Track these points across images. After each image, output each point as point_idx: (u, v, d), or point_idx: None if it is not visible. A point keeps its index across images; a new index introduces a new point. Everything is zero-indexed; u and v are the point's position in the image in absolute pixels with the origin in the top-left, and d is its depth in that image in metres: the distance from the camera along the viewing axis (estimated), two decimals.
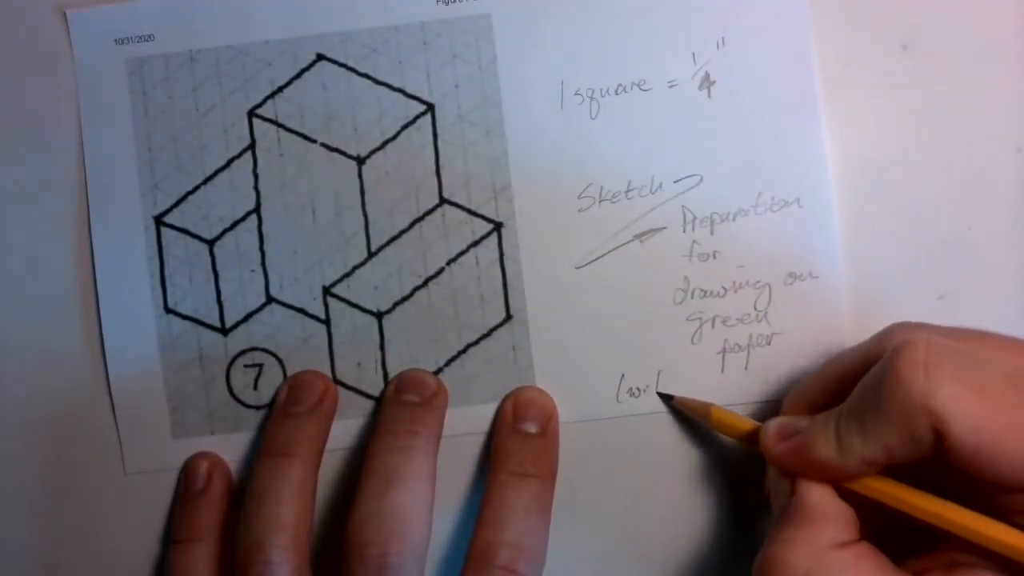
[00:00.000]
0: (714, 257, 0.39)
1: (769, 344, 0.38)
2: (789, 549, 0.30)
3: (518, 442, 0.38)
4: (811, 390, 0.34)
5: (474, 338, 0.39)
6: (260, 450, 0.37)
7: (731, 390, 0.39)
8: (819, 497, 0.31)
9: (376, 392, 0.39)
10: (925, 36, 0.39)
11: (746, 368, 0.38)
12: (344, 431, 0.39)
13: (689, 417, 0.38)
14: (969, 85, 0.39)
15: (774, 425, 0.33)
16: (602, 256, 0.39)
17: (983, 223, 0.38)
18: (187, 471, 0.39)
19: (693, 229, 0.38)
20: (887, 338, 0.32)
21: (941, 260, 0.38)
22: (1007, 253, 0.39)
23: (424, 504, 0.35)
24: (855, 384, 0.31)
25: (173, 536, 0.38)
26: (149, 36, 0.39)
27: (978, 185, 0.39)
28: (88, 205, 0.39)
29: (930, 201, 0.38)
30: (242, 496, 0.37)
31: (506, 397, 0.39)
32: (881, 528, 0.32)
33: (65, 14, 0.39)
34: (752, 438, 0.34)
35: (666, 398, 0.38)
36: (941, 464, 0.29)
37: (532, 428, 0.38)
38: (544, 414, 0.38)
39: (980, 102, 0.39)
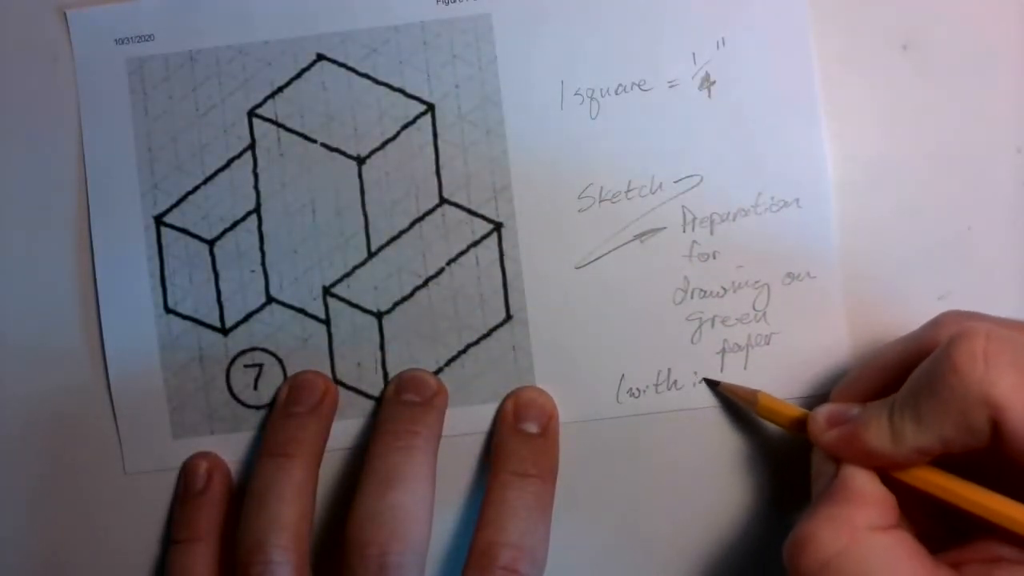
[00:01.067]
0: (714, 257, 0.39)
1: (768, 344, 0.39)
2: (825, 526, 0.30)
3: (519, 442, 0.38)
4: (861, 380, 0.34)
5: (474, 338, 0.39)
6: (261, 450, 0.37)
7: None
8: (862, 480, 0.31)
9: (376, 392, 0.39)
10: (925, 36, 0.39)
11: (745, 368, 0.39)
12: (344, 431, 0.39)
13: (689, 418, 0.38)
14: (969, 85, 0.39)
15: (824, 412, 0.33)
16: (602, 256, 0.39)
17: (983, 223, 0.38)
18: (186, 471, 0.39)
19: (693, 229, 0.39)
20: (939, 327, 0.32)
21: (941, 260, 0.38)
22: (1007, 253, 0.38)
23: (424, 504, 0.35)
24: (906, 374, 0.31)
25: (173, 536, 0.38)
26: (149, 36, 0.39)
27: (978, 185, 0.38)
28: (88, 205, 0.39)
29: (930, 201, 0.38)
30: (242, 496, 0.37)
31: (506, 397, 0.39)
32: (918, 518, 0.32)
33: (65, 14, 0.39)
34: (799, 425, 0.34)
35: (712, 384, 0.39)
36: (994, 456, 0.29)
37: (533, 428, 0.38)
38: (544, 414, 0.38)
39: (980, 102, 0.39)
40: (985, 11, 0.39)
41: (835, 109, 0.39)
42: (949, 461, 0.31)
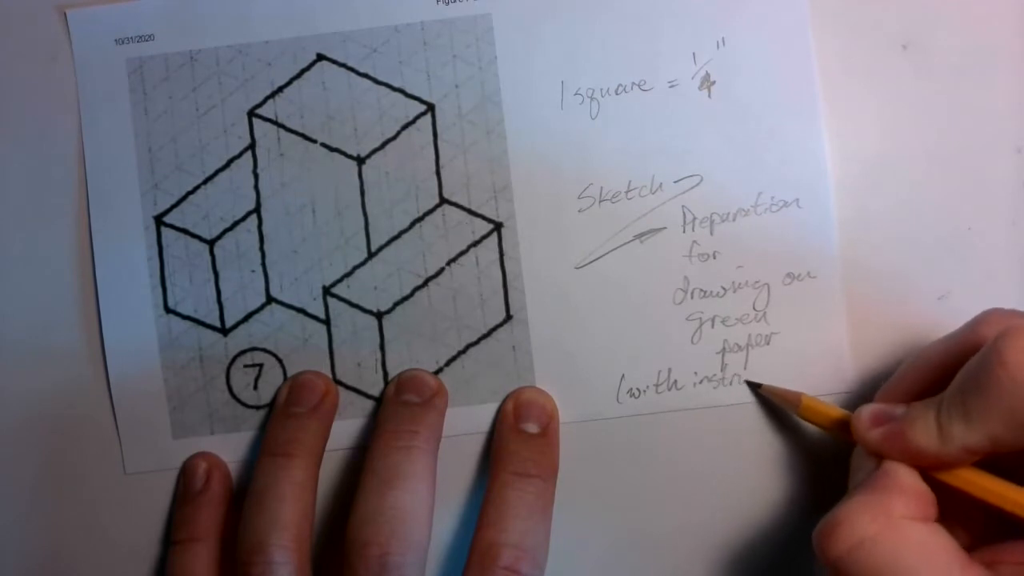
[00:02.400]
0: (714, 257, 0.39)
1: (768, 344, 0.39)
2: (861, 510, 0.30)
3: (519, 442, 0.38)
4: (904, 381, 0.34)
5: (474, 338, 0.39)
6: (261, 450, 0.37)
7: (731, 391, 0.38)
8: (904, 473, 0.31)
9: (376, 392, 0.39)
10: (925, 36, 0.39)
11: (745, 368, 0.39)
12: (344, 431, 0.39)
13: (689, 418, 0.39)
14: (969, 85, 0.39)
15: (868, 411, 0.33)
16: (602, 256, 0.39)
17: (983, 223, 0.38)
18: (186, 471, 0.39)
19: (693, 229, 0.39)
20: (982, 325, 0.32)
21: (941, 260, 0.38)
22: (1007, 253, 0.38)
23: (425, 504, 0.35)
24: (950, 374, 0.31)
25: (173, 536, 0.38)
26: (149, 36, 0.39)
27: (978, 185, 0.38)
28: (88, 205, 0.39)
29: (930, 201, 0.38)
30: (242, 496, 0.37)
31: (507, 397, 0.39)
32: (955, 520, 0.32)
33: (65, 14, 0.39)
34: (841, 426, 0.34)
35: (754, 386, 0.39)
36: None
37: (533, 428, 0.38)
38: (545, 414, 0.38)
39: (980, 102, 0.39)
40: (985, 11, 0.39)
41: (835, 109, 0.39)
42: (990, 463, 0.30)
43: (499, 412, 0.39)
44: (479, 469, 0.39)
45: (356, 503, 0.35)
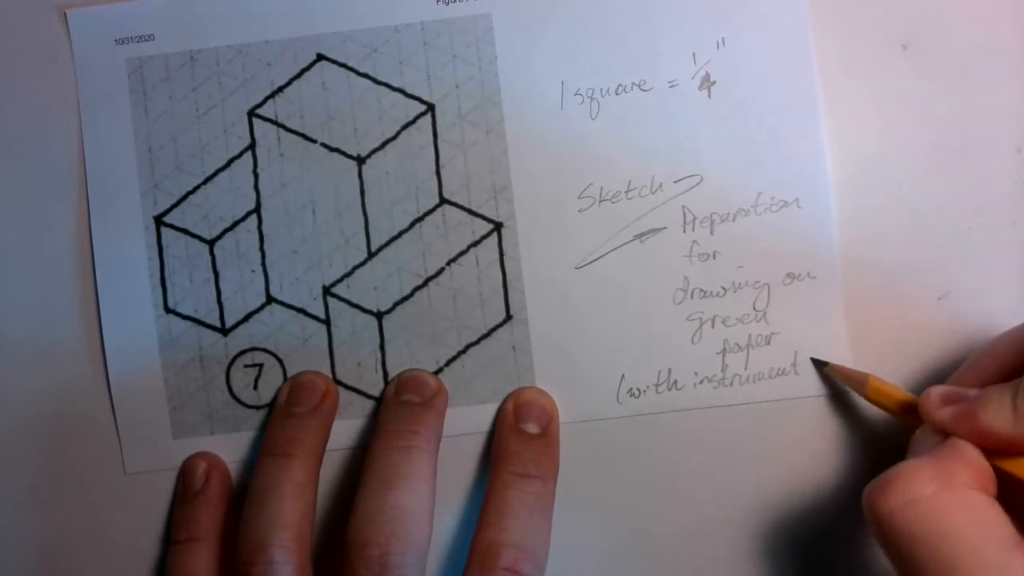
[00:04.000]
0: (714, 257, 0.39)
1: (768, 344, 0.39)
2: (921, 469, 0.29)
3: (520, 443, 0.38)
4: (978, 367, 0.34)
5: (474, 338, 0.39)
6: (262, 450, 0.37)
7: (731, 391, 0.39)
8: (970, 448, 0.30)
9: (376, 392, 0.39)
10: (925, 36, 0.39)
11: (746, 368, 0.38)
12: (344, 431, 0.39)
13: (690, 418, 0.39)
14: (969, 85, 0.39)
15: (938, 390, 0.33)
16: (602, 256, 0.39)
17: (983, 223, 0.38)
18: (185, 471, 0.39)
19: (693, 229, 0.39)
20: None
21: (941, 260, 0.38)
22: (1007, 253, 0.38)
23: (425, 504, 0.35)
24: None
25: (173, 536, 0.38)
26: (149, 36, 0.39)
27: (978, 185, 0.38)
28: (88, 205, 0.39)
29: (930, 201, 0.38)
30: (242, 496, 0.37)
31: (507, 397, 0.39)
32: (1009, 511, 0.31)
33: (65, 13, 0.39)
34: (908, 409, 0.34)
35: (819, 364, 0.39)
36: None
37: (533, 428, 0.38)
38: (545, 414, 0.38)
39: (980, 102, 0.39)
40: (985, 11, 0.39)
41: (835, 109, 0.39)
42: None
43: (499, 412, 0.39)
44: (479, 469, 0.40)
45: (356, 503, 0.35)
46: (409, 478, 0.36)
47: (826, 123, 0.39)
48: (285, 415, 0.38)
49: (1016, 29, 0.39)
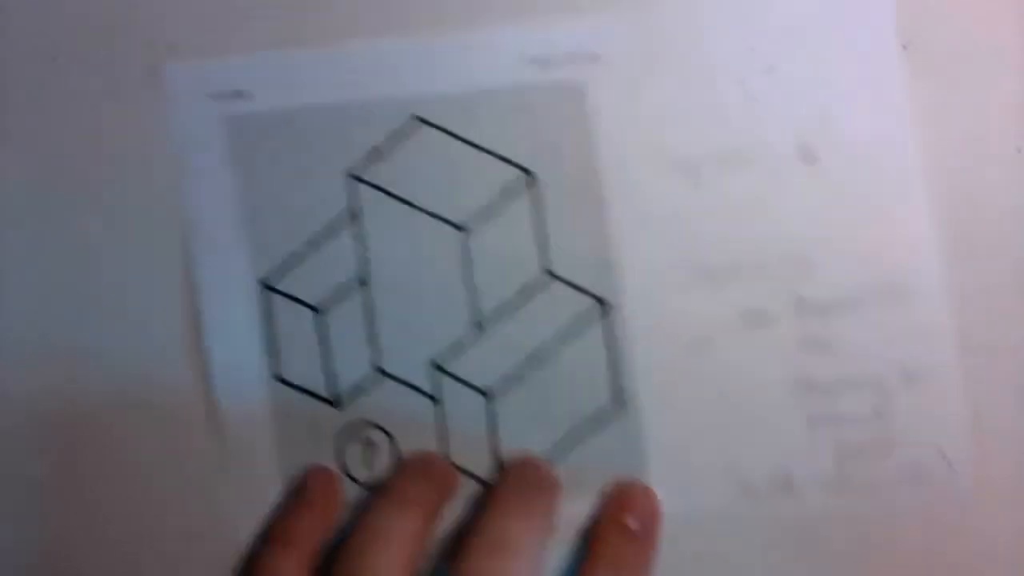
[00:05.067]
0: (826, 348, 0.37)
1: (887, 446, 0.37)
2: None
3: (618, 537, 0.36)
4: None
5: (582, 422, 0.38)
6: (380, 491, 0.37)
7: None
8: None
9: (483, 472, 0.38)
10: (925, 36, 0.37)
11: (866, 471, 0.37)
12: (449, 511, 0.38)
13: (802, 522, 0.37)
14: (969, 85, 0.37)
15: None
16: (712, 340, 0.37)
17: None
18: (302, 480, 0.38)
19: (803, 317, 0.37)
20: None
21: None
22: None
23: None
24: None
25: (270, 535, 0.38)
26: (247, 93, 0.37)
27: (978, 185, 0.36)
28: (193, 269, 0.37)
29: (930, 200, 0.37)
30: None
31: (609, 487, 0.37)
32: None
33: (161, 68, 0.38)
34: None
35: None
36: None
37: (634, 524, 0.36)
38: (647, 512, 0.37)
39: (980, 102, 0.37)
40: (985, 11, 0.37)
41: None
42: None
43: (601, 502, 0.37)
44: (575, 560, 0.38)
45: (460, 564, 0.34)
46: (521, 548, 0.35)
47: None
48: (411, 472, 0.37)
49: (1016, 29, 0.37)
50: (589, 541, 0.37)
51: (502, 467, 0.38)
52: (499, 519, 0.36)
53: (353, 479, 0.39)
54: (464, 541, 0.35)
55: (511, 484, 0.37)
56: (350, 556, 0.35)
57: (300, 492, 0.39)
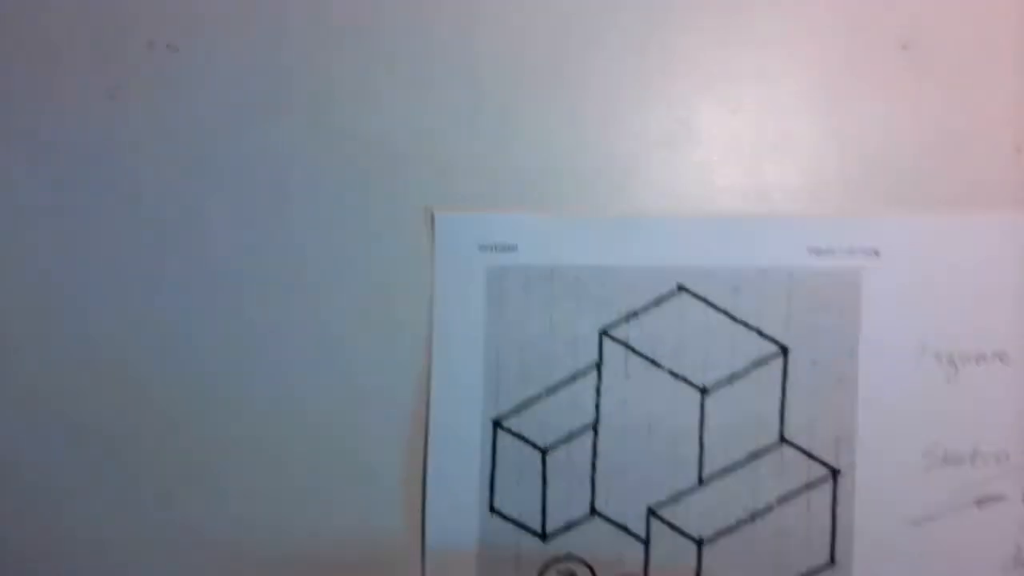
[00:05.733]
0: None
1: None
2: None
3: None
4: None
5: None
6: None
7: None
8: None
9: None
10: (925, 36, 0.38)
11: None
12: None
13: None
14: (969, 85, 0.39)
15: None
16: (939, 517, 0.38)
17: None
18: None
19: None
20: None
21: None
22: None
23: None
24: None
25: None
26: (513, 247, 0.38)
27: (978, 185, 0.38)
28: (429, 400, 0.39)
29: (929, 200, 0.39)
30: None
31: None
32: None
33: (433, 215, 0.38)
34: None
35: None
36: None
37: None
38: None
39: (980, 102, 0.38)
40: (985, 11, 0.38)
41: (835, 109, 0.39)
42: None
43: None
44: None
45: None
46: None
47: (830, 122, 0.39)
48: None
49: (1016, 29, 0.38)
50: None
51: None
52: None
53: None
54: None
55: None
56: None
57: None
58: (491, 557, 0.40)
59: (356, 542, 0.40)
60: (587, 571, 0.40)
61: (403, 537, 0.40)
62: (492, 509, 0.40)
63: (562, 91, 0.38)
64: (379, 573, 0.40)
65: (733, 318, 0.38)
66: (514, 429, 0.39)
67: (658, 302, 0.39)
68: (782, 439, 0.39)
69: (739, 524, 0.39)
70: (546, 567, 0.40)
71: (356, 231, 0.39)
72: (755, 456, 0.39)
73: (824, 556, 0.39)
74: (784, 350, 0.38)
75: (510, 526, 0.40)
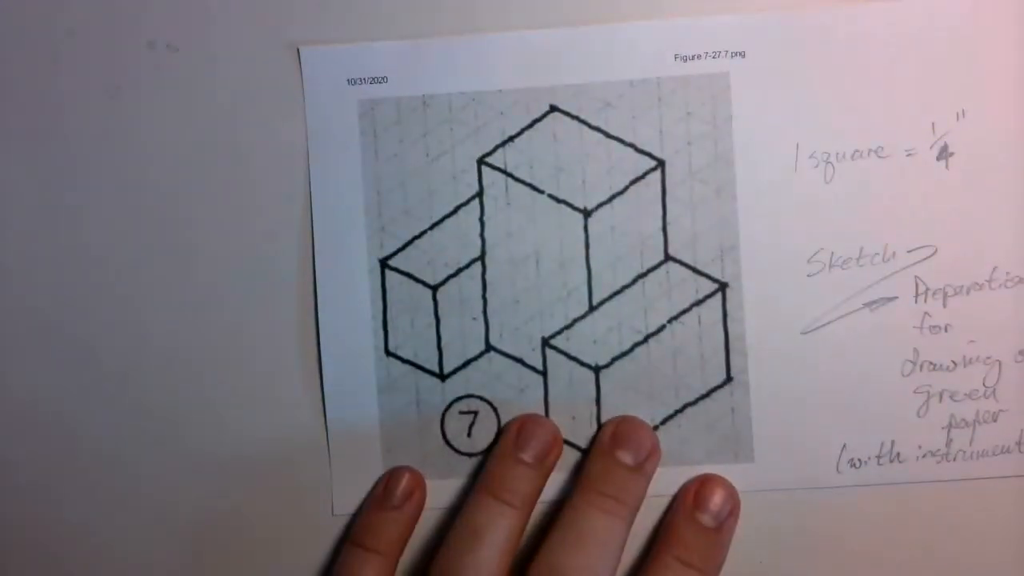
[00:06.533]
0: (945, 330, 0.39)
1: (995, 421, 0.39)
2: None
3: (691, 531, 0.38)
4: None
5: (692, 398, 0.39)
6: (481, 486, 0.38)
7: (955, 466, 0.39)
8: None
9: (585, 444, 0.40)
10: (922, 36, 0.38)
11: (971, 444, 0.38)
12: (549, 482, 0.39)
13: (911, 492, 0.39)
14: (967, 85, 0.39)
15: None
16: (830, 323, 0.38)
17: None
18: (389, 481, 0.39)
19: (925, 301, 0.38)
20: None
21: None
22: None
23: (609, 570, 0.36)
24: None
25: (355, 538, 0.39)
26: (382, 78, 0.39)
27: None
28: (313, 244, 0.39)
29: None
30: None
31: (691, 481, 0.39)
32: None
33: (298, 50, 0.39)
34: None
35: None
36: None
37: (709, 522, 0.38)
38: (727, 505, 0.38)
39: (980, 102, 0.39)
40: (985, 11, 0.39)
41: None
42: None
43: (680, 493, 0.39)
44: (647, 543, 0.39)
45: (547, 551, 0.36)
46: (604, 544, 0.37)
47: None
48: (514, 460, 0.38)
49: (1016, 29, 0.39)
50: (662, 530, 0.39)
51: (603, 426, 0.40)
52: (584, 510, 0.37)
53: (455, 450, 0.40)
54: (549, 534, 0.37)
55: (604, 466, 0.39)
56: (448, 555, 0.37)
57: (386, 495, 0.39)
58: (392, 402, 0.39)
59: (255, 397, 0.40)
60: (489, 408, 0.39)
61: (304, 396, 0.40)
62: (388, 352, 0.39)
63: None
64: (287, 438, 0.40)
65: (607, 135, 0.39)
66: (402, 268, 0.39)
67: (532, 125, 0.39)
68: (667, 256, 0.39)
69: (633, 348, 0.39)
70: (448, 407, 0.39)
71: (218, 77, 0.40)
72: (643, 276, 0.39)
73: (721, 374, 0.39)
74: (660, 163, 0.39)
75: (408, 368, 0.39)
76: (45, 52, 0.40)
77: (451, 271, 0.39)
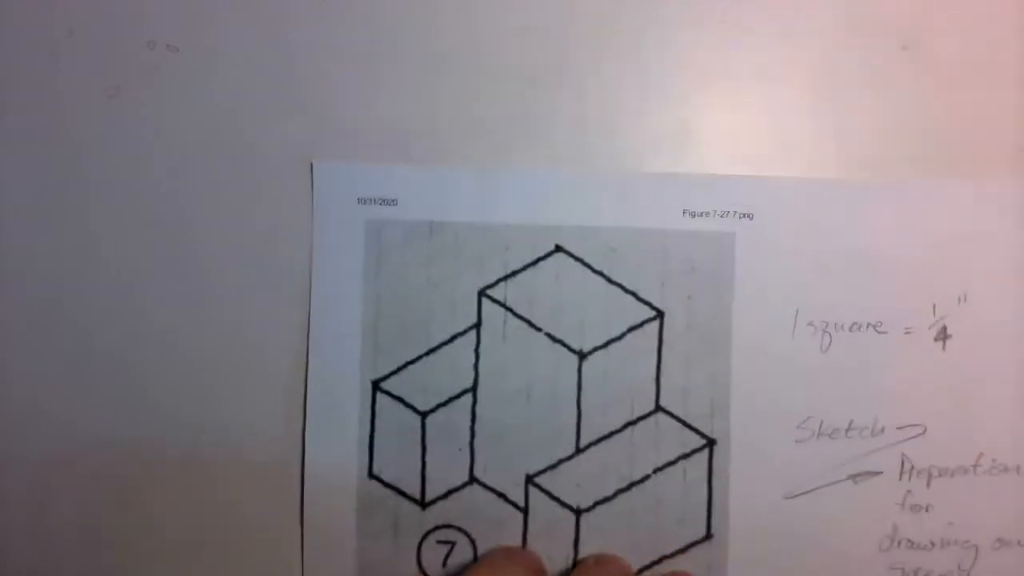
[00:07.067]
0: (926, 510, 0.39)
1: None
2: None
3: None
4: None
5: (669, 551, 0.39)
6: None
7: None
8: None
9: None
10: (925, 36, 0.39)
11: None
12: None
13: None
14: (969, 85, 0.39)
15: None
16: (813, 490, 0.38)
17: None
18: None
19: (910, 479, 0.38)
20: None
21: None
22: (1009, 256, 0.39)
23: None
24: None
25: None
26: (392, 200, 0.39)
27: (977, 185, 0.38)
28: (307, 358, 0.39)
29: (929, 200, 0.39)
30: None
31: None
32: None
33: (311, 164, 0.39)
34: None
35: None
36: None
37: None
38: None
39: (980, 102, 0.39)
40: (985, 11, 0.39)
41: (835, 109, 0.39)
42: None
43: None
44: None
45: None
46: None
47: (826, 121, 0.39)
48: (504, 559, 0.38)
49: (1016, 29, 0.39)
50: None
51: (585, 559, 0.39)
52: None
53: None
54: None
55: None
56: None
57: None
58: (370, 525, 0.39)
59: (240, 509, 0.39)
60: (467, 540, 0.39)
61: (282, 501, 0.40)
62: (371, 475, 0.39)
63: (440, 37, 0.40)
64: (262, 540, 0.39)
65: (609, 280, 0.39)
66: (394, 391, 0.39)
67: (535, 262, 0.39)
68: (658, 406, 0.39)
69: (616, 494, 0.39)
70: (425, 536, 0.39)
71: (231, 187, 0.40)
72: (632, 423, 0.39)
73: (701, 530, 0.39)
74: (660, 314, 0.39)
75: (389, 492, 0.39)
76: (45, 52, 0.40)
77: (442, 400, 0.39)
